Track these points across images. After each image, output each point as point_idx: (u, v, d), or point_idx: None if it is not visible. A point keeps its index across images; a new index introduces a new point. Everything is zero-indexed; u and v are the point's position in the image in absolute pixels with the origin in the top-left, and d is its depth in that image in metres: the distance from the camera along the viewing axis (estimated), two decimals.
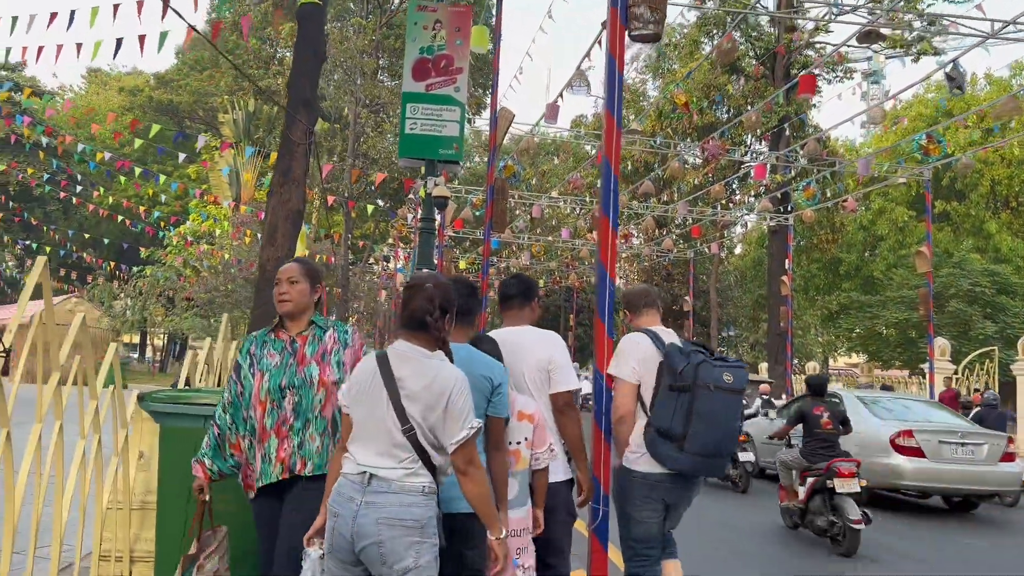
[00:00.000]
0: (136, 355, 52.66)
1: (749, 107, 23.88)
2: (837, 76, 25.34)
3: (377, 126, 23.93)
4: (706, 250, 29.72)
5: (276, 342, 3.22)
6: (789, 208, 23.47)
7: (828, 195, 23.60)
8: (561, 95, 13.76)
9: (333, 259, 22.95)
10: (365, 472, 2.52)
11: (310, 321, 3.24)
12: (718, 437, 3.67)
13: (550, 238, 30.59)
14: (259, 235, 25.36)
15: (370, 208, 17.39)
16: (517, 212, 33.47)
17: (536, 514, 3.35)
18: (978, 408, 13.18)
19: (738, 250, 43.21)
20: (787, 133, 23.15)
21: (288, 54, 32.27)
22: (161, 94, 45.70)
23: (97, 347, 33.62)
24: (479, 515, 2.64)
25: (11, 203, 35.56)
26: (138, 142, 22.88)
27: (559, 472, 3.51)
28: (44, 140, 24.58)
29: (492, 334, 3.53)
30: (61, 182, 29.71)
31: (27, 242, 36.31)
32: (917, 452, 9.30)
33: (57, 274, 38.54)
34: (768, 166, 18.25)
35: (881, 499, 10.20)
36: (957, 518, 9.76)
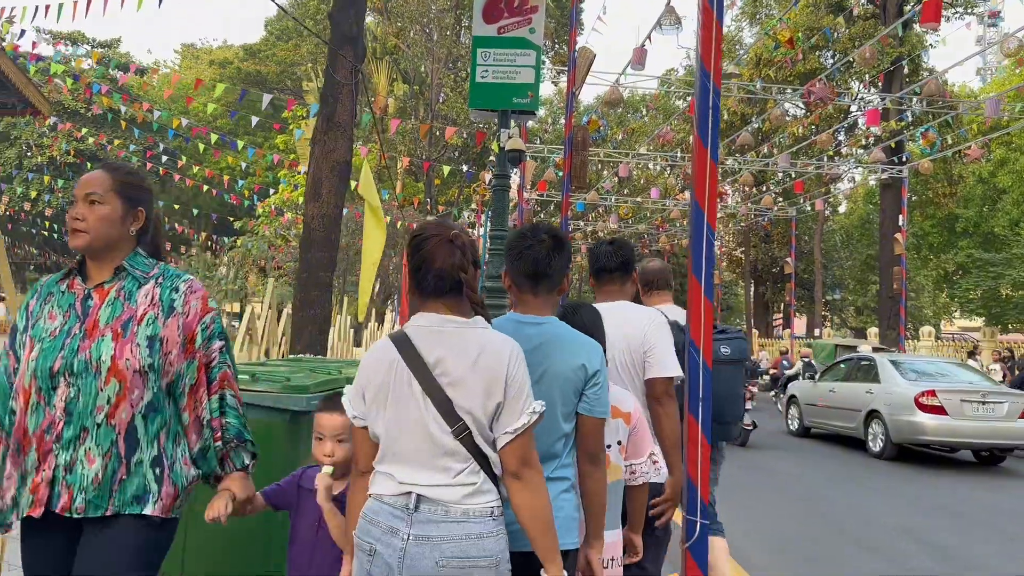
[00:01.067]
0: (237, 324, 54.27)
1: (856, 49, 21.85)
2: (957, 12, 22.91)
3: (456, 86, 23.12)
4: (809, 207, 27.83)
5: (64, 295, 2.15)
6: (903, 159, 21.50)
7: (948, 143, 21.47)
8: (649, 37, 12.61)
9: (415, 226, 22.46)
10: (410, 493, 1.89)
11: (118, 268, 2.15)
12: (720, 406, 3.42)
13: (639, 199, 29.27)
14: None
15: (446, 170, 16.57)
16: (603, 172, 32.23)
17: (633, 539, 2.75)
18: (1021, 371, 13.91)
19: (842, 208, 40.65)
20: (905, 72, 21.05)
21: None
22: (248, 65, 46.37)
23: None
24: (532, 540, 1.91)
25: None
26: (223, 112, 22.82)
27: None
28: (137, 114, 25.04)
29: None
30: (148, 154, 30.19)
31: None
32: (939, 410, 10.33)
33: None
34: (881, 112, 16.47)
35: (912, 454, 11.37)
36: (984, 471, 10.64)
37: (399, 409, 1.92)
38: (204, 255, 34.69)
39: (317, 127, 6.15)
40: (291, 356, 5.51)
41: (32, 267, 56.02)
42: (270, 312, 5.00)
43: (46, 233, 36.52)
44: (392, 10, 23.40)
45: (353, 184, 9.33)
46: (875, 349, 19.95)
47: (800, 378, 15.12)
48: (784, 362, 20.15)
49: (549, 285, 2.41)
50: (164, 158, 30.63)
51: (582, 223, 33.72)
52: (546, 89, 48.60)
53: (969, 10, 22.80)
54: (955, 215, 33.28)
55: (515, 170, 12.70)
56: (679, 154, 22.69)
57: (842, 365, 12.98)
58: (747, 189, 22.88)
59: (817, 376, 13.47)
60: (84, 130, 25.04)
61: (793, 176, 23.04)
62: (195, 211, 40.46)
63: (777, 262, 36.68)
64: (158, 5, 7.39)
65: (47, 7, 9.37)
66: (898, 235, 20.57)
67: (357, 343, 12.33)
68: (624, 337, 3.04)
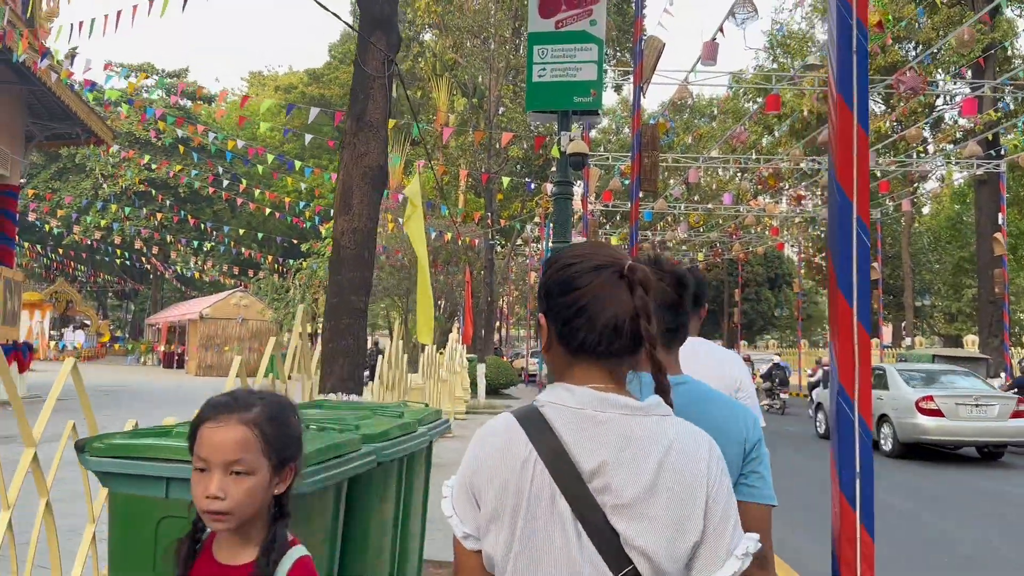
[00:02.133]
0: (309, 346, 54.64)
1: (940, 40, 20.32)
2: None
3: (516, 97, 22.45)
4: (893, 209, 26.12)
5: None
6: (1000, 152, 19.83)
7: None
8: (721, 29, 11.64)
9: (478, 241, 21.85)
10: None
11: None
12: None
13: (710, 206, 28.01)
14: (399, 220, 24.87)
15: (505, 182, 15.79)
16: (671, 181, 31.05)
17: None
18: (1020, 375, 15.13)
19: (926, 209, 38.38)
20: (996, 60, 19.41)
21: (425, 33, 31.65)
22: (313, 89, 46.87)
23: (261, 340, 34.73)
24: None
25: (181, 207, 37.31)
26: (289, 137, 22.73)
27: None
28: (193, 138, 25.18)
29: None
30: (210, 178, 30.42)
31: (196, 243, 38.10)
32: (937, 413, 11.86)
33: (228, 272, 40.18)
34: (975, 103, 15.04)
35: (919, 451, 12.58)
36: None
37: (534, 535, 1.23)
38: (272, 278, 34.80)
39: (346, 128, 5.40)
40: (318, 398, 4.78)
41: (111, 294, 57.79)
42: (300, 341, 4.23)
43: (119, 261, 37.30)
44: (449, 24, 22.92)
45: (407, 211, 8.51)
46: (973, 359, 18.37)
47: (822, 386, 16.62)
48: (820, 371, 19.75)
49: (680, 336, 1.86)
50: (225, 182, 30.78)
51: (649, 233, 32.57)
52: (609, 99, 47.58)
53: None
54: None
55: (578, 178, 11.86)
56: (753, 155, 21.48)
57: None
58: (825, 192, 21.41)
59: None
60: (147, 157, 25.20)
61: (879, 175, 21.50)
62: (259, 235, 40.85)
63: None
64: (181, 9, 6.86)
65: (80, 23, 9.03)
66: (997, 235, 18.90)
67: (414, 367, 11.63)
68: (717, 381, 2.21)
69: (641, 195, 7.85)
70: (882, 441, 12.59)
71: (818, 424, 15.33)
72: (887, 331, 43.68)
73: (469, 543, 1.28)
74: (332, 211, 20.50)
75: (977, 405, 11.92)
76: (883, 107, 28.81)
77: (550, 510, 1.22)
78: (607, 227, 36.00)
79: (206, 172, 34.22)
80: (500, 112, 22.36)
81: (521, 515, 1.23)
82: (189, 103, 50.81)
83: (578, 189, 19.66)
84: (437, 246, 22.59)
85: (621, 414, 1.24)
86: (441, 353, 14.55)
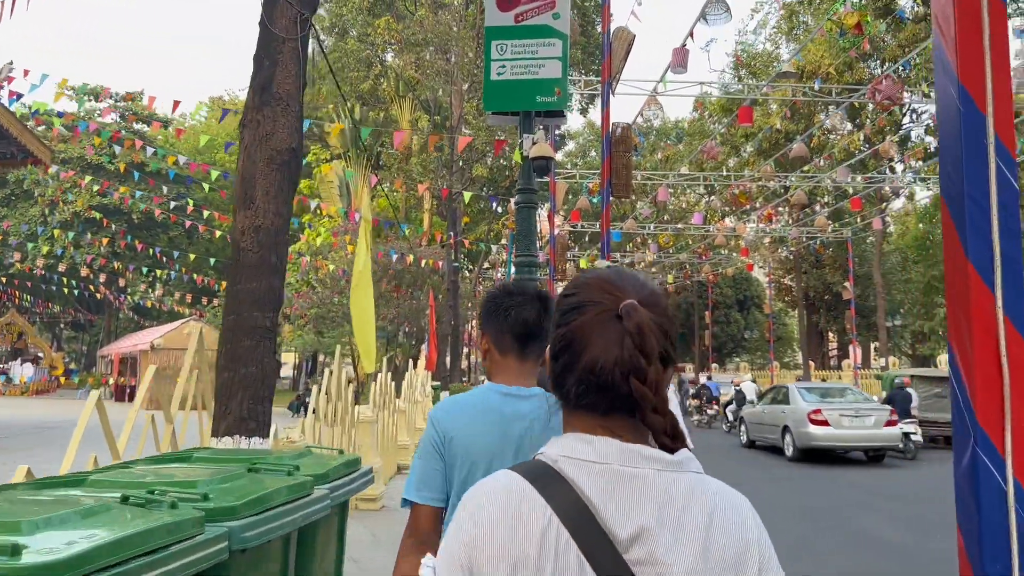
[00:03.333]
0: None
1: (906, 56, 20.05)
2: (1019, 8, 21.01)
3: (480, 114, 21.69)
4: (863, 229, 25.76)
5: None
6: None
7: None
8: (691, 34, 11.02)
9: (441, 264, 20.95)
10: None
11: None
12: None
13: (679, 226, 27.47)
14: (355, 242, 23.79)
15: (467, 196, 14.89)
16: (638, 203, 30.55)
17: None
18: (891, 392, 17.08)
19: (890, 228, 38.33)
20: None
21: (390, 56, 30.95)
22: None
23: None
24: None
25: (134, 234, 35.97)
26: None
27: None
28: (156, 164, 24.16)
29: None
30: (155, 199, 29.09)
31: (146, 271, 36.71)
32: (824, 423, 14.08)
33: (181, 300, 38.76)
34: None
35: (817, 456, 14.75)
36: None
37: None
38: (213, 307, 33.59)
39: (247, 103, 4.47)
40: (210, 443, 3.77)
41: (63, 325, 55.73)
42: (196, 367, 3.47)
43: (65, 291, 35.74)
44: (408, 40, 22.13)
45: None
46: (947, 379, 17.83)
47: (734, 404, 20.37)
48: (733, 390, 21.72)
49: (539, 349, 1.95)
50: (174, 206, 29.57)
51: (618, 255, 31.95)
52: (574, 121, 47.17)
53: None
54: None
55: (544, 198, 11.06)
56: (724, 172, 20.95)
57: (770, 393, 17.17)
58: (800, 207, 20.86)
59: (757, 401, 18.23)
60: (90, 179, 24.01)
61: (850, 192, 21.09)
62: (213, 261, 39.58)
63: (831, 288, 34.49)
64: (26, 7, 5.99)
65: None
66: None
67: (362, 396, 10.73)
68: None
69: (612, 199, 7.10)
70: (785, 448, 14.92)
71: (742, 435, 17.62)
72: (856, 352, 43.51)
73: None
74: (302, 235, 19.18)
75: (857, 416, 14.10)
76: (849, 126, 28.65)
77: None
78: (575, 249, 35.36)
79: (162, 197, 32.99)
80: (464, 132, 21.62)
81: None
82: (145, 127, 49.55)
83: (543, 212, 18.94)
84: (399, 269, 21.70)
85: (656, 469, 1.04)
86: (415, 374, 13.70)
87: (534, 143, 7.48)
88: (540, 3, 7.78)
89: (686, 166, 20.41)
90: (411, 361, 17.55)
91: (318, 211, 34.16)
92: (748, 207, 23.74)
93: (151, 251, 30.56)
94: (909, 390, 16.38)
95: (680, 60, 11.42)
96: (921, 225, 35.87)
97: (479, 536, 1.04)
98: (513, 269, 9.53)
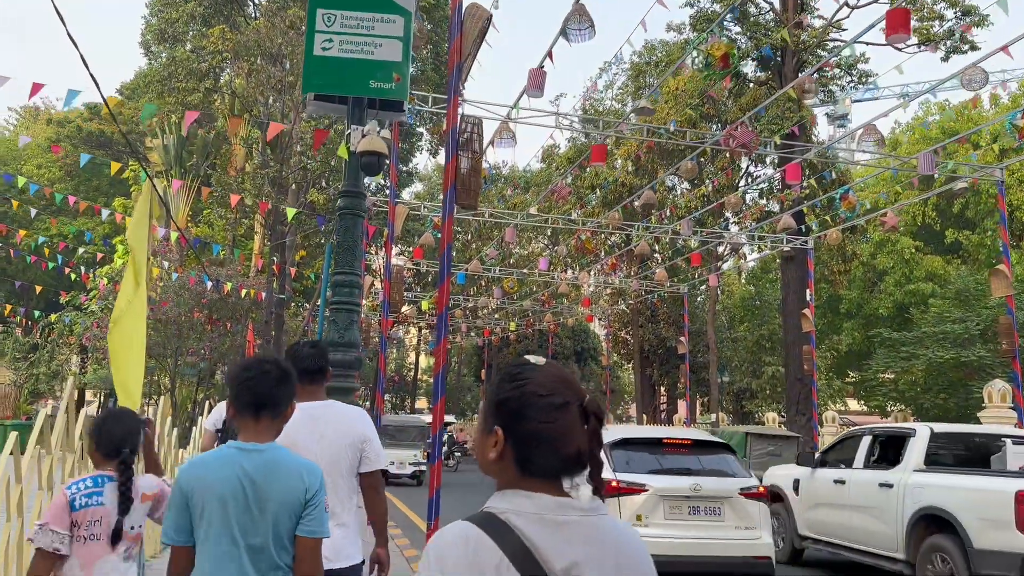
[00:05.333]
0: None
1: (749, 118, 20.60)
2: (852, 82, 22.22)
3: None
4: (699, 284, 26.17)
5: None
6: (802, 230, 20.08)
7: (842, 217, 20.35)
8: (550, 54, 10.15)
9: (263, 295, 18.88)
10: None
11: None
12: None
13: (525, 270, 26.77)
14: (166, 264, 21.16)
15: (290, 213, 13.03)
16: (478, 247, 29.70)
17: None
18: None
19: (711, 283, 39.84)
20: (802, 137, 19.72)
21: (226, 73, 28.60)
22: (93, 125, 41.80)
23: (5, 407, 28.95)
24: None
25: None
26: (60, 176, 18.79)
27: (355, 555, 3.25)
28: None
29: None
30: None
31: None
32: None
33: None
34: (799, 169, 14.70)
35: None
36: None
37: None
38: (15, 333, 29.31)
39: None
40: None
41: None
42: (67, 412, 3.51)
43: None
44: (240, 49, 20.09)
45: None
46: (785, 437, 17.91)
47: None
48: None
49: (272, 414, 2.51)
50: None
51: (462, 298, 30.83)
52: (422, 162, 46.11)
53: (864, 82, 22.12)
54: (838, 296, 32.78)
55: (378, 223, 9.67)
56: (573, 215, 20.38)
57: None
58: (644, 255, 20.53)
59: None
60: None
61: (692, 247, 21.14)
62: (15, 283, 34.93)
63: (665, 342, 34.99)
64: None
65: None
66: (806, 311, 18.88)
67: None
68: (350, 436, 3.27)
69: (458, 207, 5.86)
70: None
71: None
72: (683, 407, 44.65)
73: None
74: (100, 257, 16.43)
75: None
76: (687, 185, 29.35)
77: None
78: (416, 289, 33.94)
79: None
80: (298, 150, 19.78)
81: None
82: None
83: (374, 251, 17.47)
84: (214, 299, 19.39)
85: (579, 516, 1.40)
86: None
87: (363, 135, 6.13)
88: None
89: (534, 207, 19.68)
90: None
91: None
92: (593, 255, 23.44)
93: None
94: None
95: (537, 83, 10.53)
96: (752, 287, 37.38)
97: (447, 573, 1.34)
98: (328, 291, 8.00)
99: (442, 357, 5.57)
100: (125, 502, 2.93)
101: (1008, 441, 8.14)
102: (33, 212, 21.06)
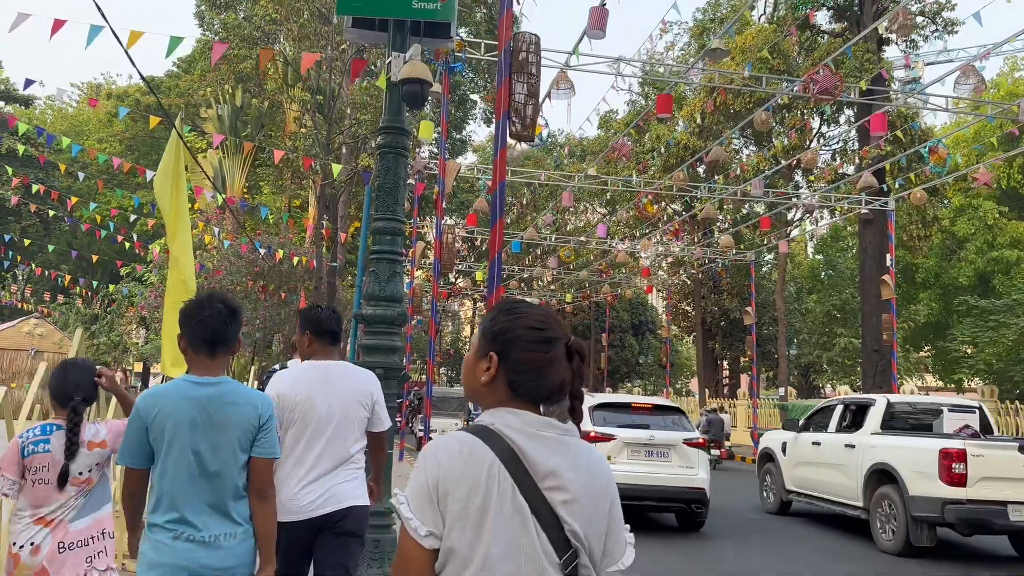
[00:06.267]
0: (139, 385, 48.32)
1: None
2: (936, 31, 20.56)
3: (372, 94, 19.10)
4: (769, 252, 24.88)
5: None
6: (883, 190, 18.70)
7: (924, 176, 18.88)
8: None
9: (316, 263, 18.45)
10: None
11: None
12: None
13: (583, 238, 25.81)
14: (218, 231, 20.88)
15: (335, 170, 12.43)
16: (533, 218, 28.77)
17: None
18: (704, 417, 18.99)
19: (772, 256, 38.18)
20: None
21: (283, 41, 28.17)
22: (151, 98, 42.13)
23: None
24: None
25: None
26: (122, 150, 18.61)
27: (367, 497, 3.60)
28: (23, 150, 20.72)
29: (310, 364, 3.53)
30: (49, 195, 25.01)
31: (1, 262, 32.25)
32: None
33: (34, 295, 34.28)
34: (884, 119, 13.35)
35: None
36: None
37: (500, 526, 1.52)
38: (76, 304, 29.65)
39: None
40: None
41: None
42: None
43: None
44: (291, 9, 19.48)
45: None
46: None
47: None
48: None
49: (225, 350, 2.71)
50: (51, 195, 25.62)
51: (516, 268, 30.07)
52: (480, 134, 45.34)
53: (952, 31, 20.42)
54: (914, 265, 31.04)
55: (415, 123, 8.95)
56: (635, 176, 19.38)
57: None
58: (711, 218, 19.15)
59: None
60: None
61: (761, 211, 19.91)
62: (74, 253, 35.50)
63: (728, 314, 33.74)
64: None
65: None
66: (886, 277, 17.58)
67: None
68: (360, 393, 3.57)
69: (512, 140, 5.07)
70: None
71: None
72: (745, 381, 43.21)
73: (429, 541, 1.52)
74: (151, 225, 16.03)
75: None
76: (754, 147, 27.95)
77: (512, 505, 1.52)
78: (471, 258, 33.29)
79: (25, 178, 28.94)
80: (348, 113, 19.10)
81: (490, 511, 1.51)
82: (3, 104, 44.65)
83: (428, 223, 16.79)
84: (266, 267, 19.03)
85: (557, 434, 1.60)
86: None
87: (405, 62, 5.37)
88: None
89: (593, 168, 18.68)
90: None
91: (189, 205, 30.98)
92: (654, 220, 22.37)
93: None
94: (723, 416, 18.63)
95: (599, 22, 9.63)
96: (819, 256, 35.79)
97: (443, 470, 1.52)
98: (368, 239, 7.28)
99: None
100: (72, 448, 3.02)
101: (946, 408, 9.69)
102: (99, 186, 20.87)
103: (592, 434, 9.17)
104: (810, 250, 38.28)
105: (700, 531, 9.64)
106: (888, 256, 17.72)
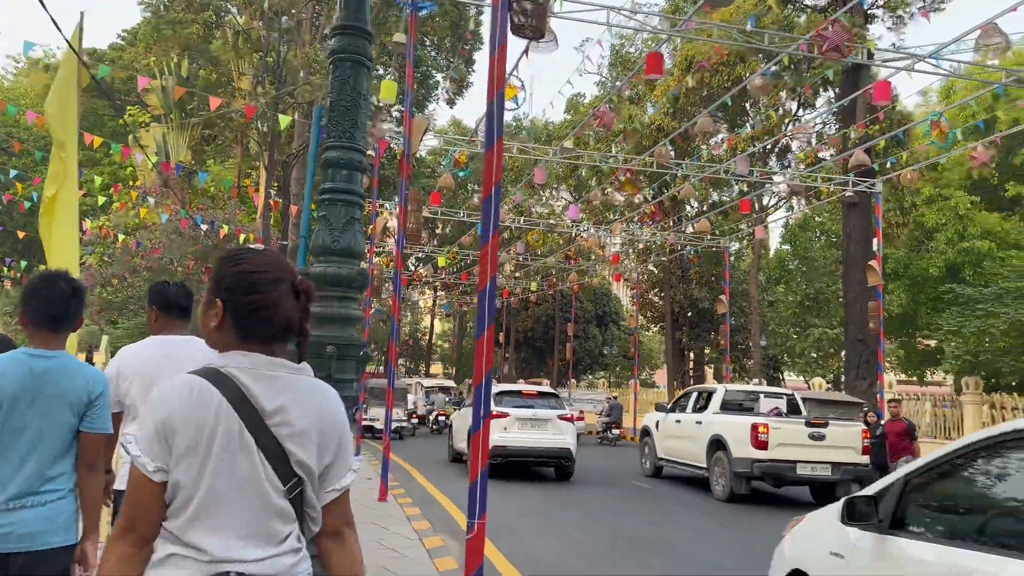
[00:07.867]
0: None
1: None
2: (922, 7, 19.76)
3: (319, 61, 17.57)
4: (744, 239, 23.94)
5: None
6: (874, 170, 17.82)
7: (904, 158, 18.11)
8: None
9: (263, 240, 16.92)
10: (228, 573, 1.60)
11: None
12: None
13: (552, 221, 24.61)
14: (152, 200, 19.15)
15: (283, 121, 11.03)
16: (508, 187, 27.43)
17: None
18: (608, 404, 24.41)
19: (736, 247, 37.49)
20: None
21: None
22: (93, 71, 39.83)
23: None
24: None
25: None
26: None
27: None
28: None
29: (156, 339, 3.51)
30: None
31: None
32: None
33: None
34: (888, 87, 12.39)
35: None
36: None
37: (225, 461, 1.63)
38: (4, 287, 27.53)
39: None
40: None
41: None
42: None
43: None
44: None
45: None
46: (848, 404, 15.92)
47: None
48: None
49: (68, 326, 2.79)
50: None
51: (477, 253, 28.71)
52: (442, 116, 43.77)
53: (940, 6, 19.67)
54: (885, 255, 30.47)
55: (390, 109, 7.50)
56: (612, 151, 18.16)
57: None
58: (670, 219, 18.22)
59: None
60: None
61: (744, 190, 18.92)
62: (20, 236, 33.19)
63: (696, 304, 32.87)
64: None
65: None
66: (872, 262, 16.71)
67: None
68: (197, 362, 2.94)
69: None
70: None
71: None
72: (709, 373, 42.53)
73: (158, 476, 1.61)
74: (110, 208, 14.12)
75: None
76: (730, 130, 27.03)
77: (239, 442, 1.63)
78: (433, 243, 31.84)
79: None
80: (304, 77, 17.54)
81: (216, 447, 1.62)
82: None
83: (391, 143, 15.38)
84: (209, 246, 17.44)
85: (287, 372, 1.72)
86: None
87: None
88: None
89: (569, 141, 17.45)
90: None
91: (130, 181, 28.94)
92: (632, 196, 21.26)
93: None
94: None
95: None
96: (786, 246, 35.18)
97: (172, 411, 1.61)
98: (314, 171, 5.92)
99: (491, 266, 3.59)
100: None
101: (762, 395, 13.32)
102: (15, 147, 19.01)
103: (495, 413, 12.50)
104: (776, 240, 37.69)
105: (592, 490, 12.62)
106: (876, 240, 16.85)
